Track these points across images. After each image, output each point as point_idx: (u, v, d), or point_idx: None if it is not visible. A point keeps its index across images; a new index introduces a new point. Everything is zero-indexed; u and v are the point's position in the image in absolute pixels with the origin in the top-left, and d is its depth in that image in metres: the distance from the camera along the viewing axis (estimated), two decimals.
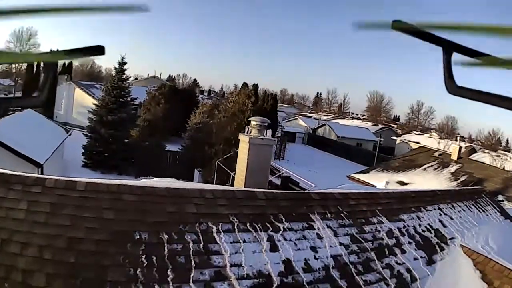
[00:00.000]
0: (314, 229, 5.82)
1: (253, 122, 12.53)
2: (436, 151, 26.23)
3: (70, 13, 0.69)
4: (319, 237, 5.73)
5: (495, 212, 10.03)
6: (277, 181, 20.32)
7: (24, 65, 54.70)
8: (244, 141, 12.34)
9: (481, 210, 9.50)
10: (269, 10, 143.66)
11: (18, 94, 50.18)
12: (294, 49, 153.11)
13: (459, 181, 20.24)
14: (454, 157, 22.83)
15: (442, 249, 7.05)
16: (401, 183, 20.66)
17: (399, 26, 0.75)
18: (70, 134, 25.17)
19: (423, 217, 7.62)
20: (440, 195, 9.26)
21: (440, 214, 8.14)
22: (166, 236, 4.69)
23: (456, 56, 0.80)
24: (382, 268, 5.81)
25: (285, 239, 5.39)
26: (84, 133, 28.67)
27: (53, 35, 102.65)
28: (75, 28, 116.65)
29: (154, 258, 4.43)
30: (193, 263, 4.56)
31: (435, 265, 6.56)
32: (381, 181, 20.70)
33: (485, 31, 0.69)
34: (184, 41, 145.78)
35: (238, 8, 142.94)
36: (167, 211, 5.04)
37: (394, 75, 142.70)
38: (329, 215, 6.24)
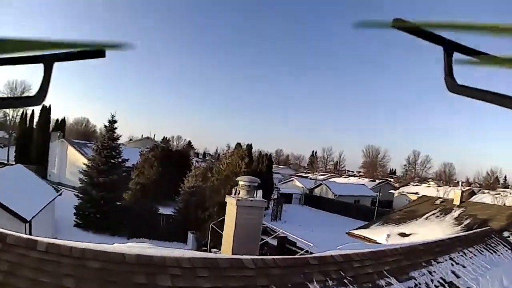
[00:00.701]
0: None
1: (241, 183, 11.73)
2: (438, 198, 25.66)
3: (58, 48, 0.73)
4: None
5: (506, 251, 9.65)
6: (274, 242, 19.66)
7: (18, 119, 54.82)
8: (231, 203, 11.41)
9: (492, 252, 9.07)
10: (258, 68, 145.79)
11: (12, 148, 49.91)
12: (288, 109, 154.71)
13: (463, 225, 19.56)
14: (457, 202, 22.30)
15: None
16: (403, 234, 19.88)
17: (400, 24, 0.75)
18: (60, 194, 24.85)
19: (434, 271, 6.86)
20: (450, 243, 8.65)
21: (452, 265, 7.45)
22: None
23: (456, 55, 0.79)
24: None
25: None
26: (76, 194, 28.41)
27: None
28: (71, 84, 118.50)
29: None
30: None
31: None
32: (382, 235, 19.90)
33: (485, 30, 0.68)
34: (180, 103, 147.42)
35: (229, 69, 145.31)
36: (135, 283, 4.21)
37: (389, 126, 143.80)
38: (330, 282, 5.33)
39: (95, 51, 0.78)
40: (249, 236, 11.16)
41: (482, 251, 8.77)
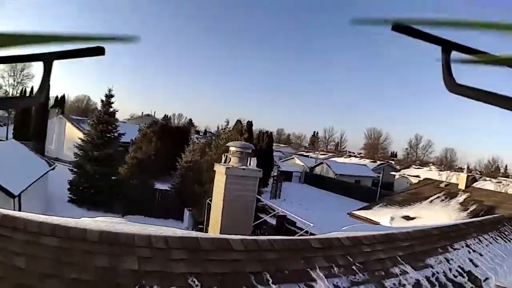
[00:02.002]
0: None
1: (232, 148, 10.12)
2: (442, 182, 24.91)
3: (64, 42, 0.69)
4: None
5: None
6: (273, 221, 18.89)
7: (17, 94, 53.78)
8: (220, 172, 9.72)
9: (506, 240, 8.53)
10: (265, 48, 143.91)
11: (11, 126, 49.03)
12: (290, 88, 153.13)
13: (469, 210, 18.82)
14: (462, 186, 21.57)
15: None
16: (407, 217, 19.13)
17: (398, 26, 0.75)
18: (53, 168, 24.37)
19: (452, 259, 6.08)
20: (465, 228, 7.95)
21: (469, 252, 6.74)
22: None
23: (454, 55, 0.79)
24: None
25: None
26: (70, 168, 27.98)
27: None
28: (72, 63, 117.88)
29: None
30: None
31: None
32: (385, 217, 19.14)
33: (484, 28, 0.67)
34: (181, 82, 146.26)
35: (234, 47, 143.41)
36: (94, 266, 3.37)
37: (392, 109, 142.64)
38: (336, 269, 4.39)
39: (94, 48, 0.76)
40: (241, 212, 9.66)
41: (497, 239, 8.19)
